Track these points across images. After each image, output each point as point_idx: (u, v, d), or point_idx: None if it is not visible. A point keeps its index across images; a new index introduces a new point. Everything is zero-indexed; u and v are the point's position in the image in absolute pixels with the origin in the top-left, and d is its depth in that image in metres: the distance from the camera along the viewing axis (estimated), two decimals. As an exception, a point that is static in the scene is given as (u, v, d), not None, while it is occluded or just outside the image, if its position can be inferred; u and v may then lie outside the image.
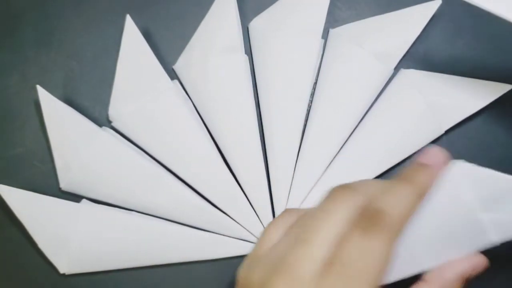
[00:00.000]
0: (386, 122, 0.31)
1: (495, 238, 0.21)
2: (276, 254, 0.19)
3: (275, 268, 0.18)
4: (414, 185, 0.19)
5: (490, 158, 0.31)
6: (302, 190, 0.31)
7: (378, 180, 0.25)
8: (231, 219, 0.31)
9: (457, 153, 0.22)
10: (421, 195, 0.19)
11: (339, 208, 0.18)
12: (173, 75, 0.33)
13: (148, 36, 0.33)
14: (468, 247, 0.21)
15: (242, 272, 0.20)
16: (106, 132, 0.32)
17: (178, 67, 0.33)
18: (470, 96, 0.30)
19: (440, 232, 0.21)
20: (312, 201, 0.31)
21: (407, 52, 0.32)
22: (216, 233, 0.31)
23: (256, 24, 0.33)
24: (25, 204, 0.31)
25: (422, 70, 0.32)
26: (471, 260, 0.21)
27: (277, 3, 0.33)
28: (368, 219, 0.17)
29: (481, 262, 0.21)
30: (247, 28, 0.33)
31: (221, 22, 0.32)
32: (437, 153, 0.20)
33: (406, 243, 0.20)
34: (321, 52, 0.33)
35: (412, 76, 0.32)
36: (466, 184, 0.21)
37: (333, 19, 0.33)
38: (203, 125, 0.32)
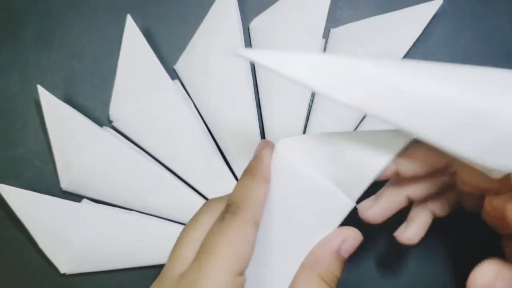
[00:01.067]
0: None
1: (346, 199, 0.20)
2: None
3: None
4: (248, 172, 0.22)
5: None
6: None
7: None
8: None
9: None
10: (255, 177, 0.21)
11: (203, 213, 0.22)
12: (174, 75, 0.33)
13: (149, 36, 0.33)
14: (330, 219, 0.20)
15: None
16: (107, 132, 0.32)
17: (179, 67, 0.33)
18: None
19: (299, 214, 0.20)
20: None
21: (408, 52, 0.32)
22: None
23: (257, 24, 0.33)
24: (26, 204, 0.31)
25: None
26: (340, 234, 0.20)
27: (277, 3, 0.33)
28: (224, 211, 0.20)
29: (352, 233, 0.20)
30: (248, 28, 0.33)
31: (222, 22, 0.32)
32: (261, 142, 0.23)
33: (276, 233, 0.21)
34: (322, 52, 0.33)
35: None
36: (296, 157, 0.20)
37: (334, 19, 0.33)
38: (204, 124, 0.32)
